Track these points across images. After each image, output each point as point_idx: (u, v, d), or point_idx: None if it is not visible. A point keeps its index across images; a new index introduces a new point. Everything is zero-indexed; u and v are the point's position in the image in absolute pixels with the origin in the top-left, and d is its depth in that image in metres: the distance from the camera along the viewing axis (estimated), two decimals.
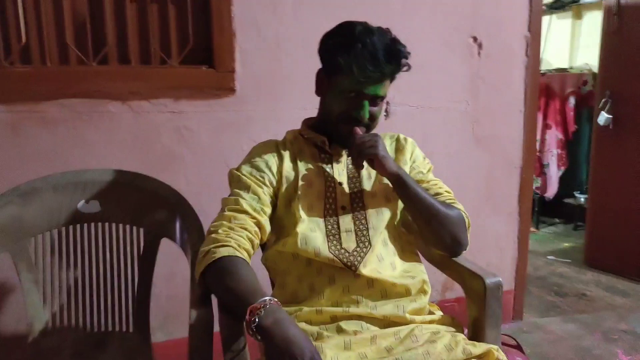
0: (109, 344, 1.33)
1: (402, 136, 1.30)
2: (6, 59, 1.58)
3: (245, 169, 1.17)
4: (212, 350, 0.97)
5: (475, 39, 2.14)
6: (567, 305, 2.65)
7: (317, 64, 1.20)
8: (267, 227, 1.12)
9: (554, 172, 3.90)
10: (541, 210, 4.07)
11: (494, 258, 2.35)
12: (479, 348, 1.01)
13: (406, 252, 1.20)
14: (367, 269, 1.08)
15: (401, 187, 1.13)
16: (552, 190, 3.92)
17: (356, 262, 1.08)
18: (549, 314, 2.55)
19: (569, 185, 4.03)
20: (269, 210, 1.13)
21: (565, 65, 4.28)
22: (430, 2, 2.04)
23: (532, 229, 3.89)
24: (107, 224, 1.37)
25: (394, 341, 1.01)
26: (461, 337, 1.06)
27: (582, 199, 3.81)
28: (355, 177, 1.21)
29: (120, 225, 1.38)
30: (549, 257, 3.40)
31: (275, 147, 1.22)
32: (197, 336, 0.96)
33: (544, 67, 4.19)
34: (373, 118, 1.17)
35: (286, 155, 1.20)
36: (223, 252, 1.00)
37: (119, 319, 1.38)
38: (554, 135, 3.84)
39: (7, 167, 1.59)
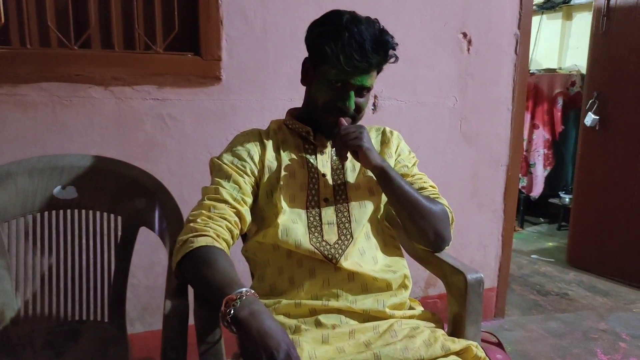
0: (82, 333, 1.30)
1: (388, 129, 1.28)
2: None
3: (227, 157, 1.14)
4: (186, 342, 0.95)
5: (465, 35, 2.13)
6: (548, 304, 2.66)
7: (304, 54, 1.18)
8: (248, 217, 1.10)
9: (540, 172, 3.91)
10: (526, 209, 4.09)
11: (477, 255, 2.35)
12: (458, 344, 1.00)
13: (388, 246, 1.19)
14: (348, 262, 1.06)
15: (385, 180, 1.12)
16: (537, 190, 3.94)
17: (337, 255, 1.06)
18: (531, 312, 2.57)
19: (554, 185, 4.05)
20: (249, 200, 1.11)
21: (554, 66, 4.30)
22: None
23: (517, 228, 3.92)
24: (83, 211, 1.33)
25: (372, 336, 1.00)
26: (440, 332, 1.05)
27: (567, 199, 3.84)
28: (339, 169, 1.19)
29: (98, 213, 1.34)
30: (532, 256, 3.42)
31: (258, 136, 1.20)
32: (171, 327, 0.94)
33: (533, 67, 4.21)
34: (359, 109, 1.15)
35: (269, 144, 1.18)
36: (201, 241, 0.98)
37: (94, 308, 1.35)
38: (541, 135, 3.86)
39: None
